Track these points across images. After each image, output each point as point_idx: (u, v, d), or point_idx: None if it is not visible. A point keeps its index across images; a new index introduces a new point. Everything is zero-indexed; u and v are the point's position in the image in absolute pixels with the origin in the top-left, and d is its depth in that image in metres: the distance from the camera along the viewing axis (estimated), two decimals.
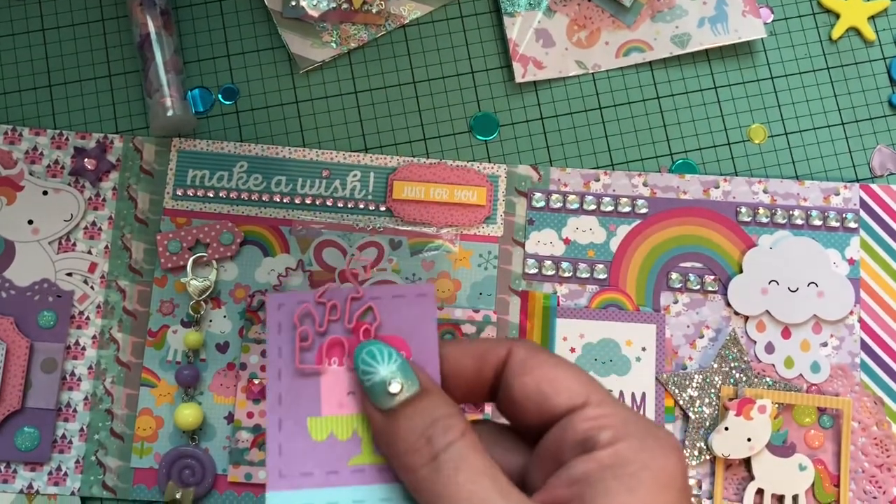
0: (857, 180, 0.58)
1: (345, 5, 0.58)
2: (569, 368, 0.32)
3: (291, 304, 0.35)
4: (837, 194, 0.57)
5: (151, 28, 0.55)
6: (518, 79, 0.58)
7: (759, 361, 0.55)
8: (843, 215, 0.57)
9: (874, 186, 0.57)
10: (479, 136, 0.58)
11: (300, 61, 0.58)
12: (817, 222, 0.57)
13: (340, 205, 0.56)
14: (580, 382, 0.32)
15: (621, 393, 0.55)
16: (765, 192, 0.57)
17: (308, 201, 0.56)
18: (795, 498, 0.53)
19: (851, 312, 0.56)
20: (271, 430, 0.34)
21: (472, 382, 0.34)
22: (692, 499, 0.31)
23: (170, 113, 0.54)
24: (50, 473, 0.53)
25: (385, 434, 0.32)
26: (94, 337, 0.55)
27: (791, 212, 0.57)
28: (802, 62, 0.60)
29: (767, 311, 0.55)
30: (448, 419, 0.31)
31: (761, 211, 0.57)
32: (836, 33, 0.60)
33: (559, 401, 0.32)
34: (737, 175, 0.58)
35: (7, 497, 0.53)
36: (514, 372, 0.33)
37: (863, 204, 0.57)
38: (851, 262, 0.56)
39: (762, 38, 0.59)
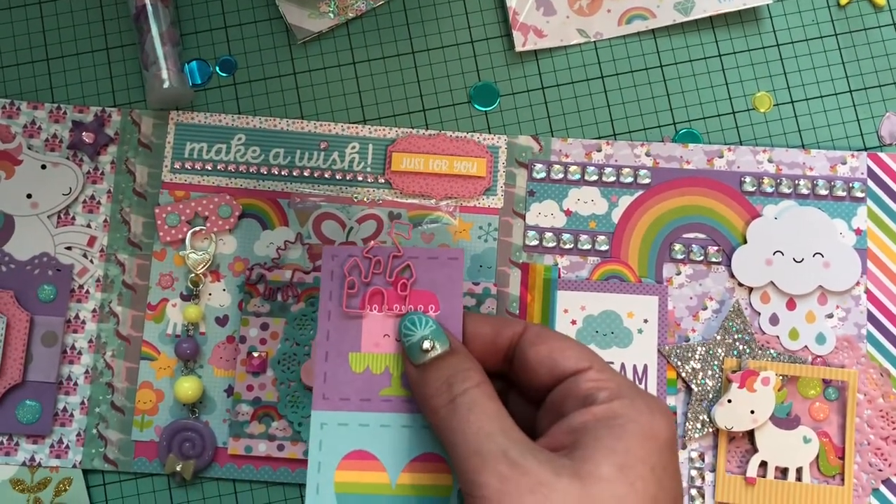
0: (865, 149, 0.57)
1: None
2: (575, 342, 0.39)
3: (343, 257, 0.42)
4: (844, 163, 0.56)
5: (147, 0, 0.55)
6: (518, 48, 0.57)
7: (764, 333, 0.54)
8: (850, 184, 0.56)
9: (882, 155, 0.56)
10: (478, 107, 0.57)
11: (297, 32, 0.57)
12: (823, 192, 0.56)
13: (339, 177, 0.56)
14: (584, 353, 0.38)
15: (623, 365, 0.54)
16: (770, 161, 0.56)
17: (306, 174, 0.56)
18: (799, 470, 0.53)
19: (858, 283, 0.55)
20: (319, 361, 0.41)
21: (487, 346, 0.40)
22: (678, 453, 0.36)
23: (166, 85, 0.54)
24: (52, 446, 0.53)
25: (417, 383, 0.39)
26: (93, 310, 0.55)
27: (797, 181, 0.56)
28: (809, 28, 0.58)
29: (772, 282, 0.55)
30: (467, 372, 0.37)
31: (766, 181, 0.56)
32: None
33: (567, 365, 0.38)
34: (741, 144, 0.57)
35: (10, 469, 0.53)
36: (530, 341, 0.39)
37: (870, 173, 0.56)
38: (858, 232, 0.55)
39: (768, 4, 0.58)
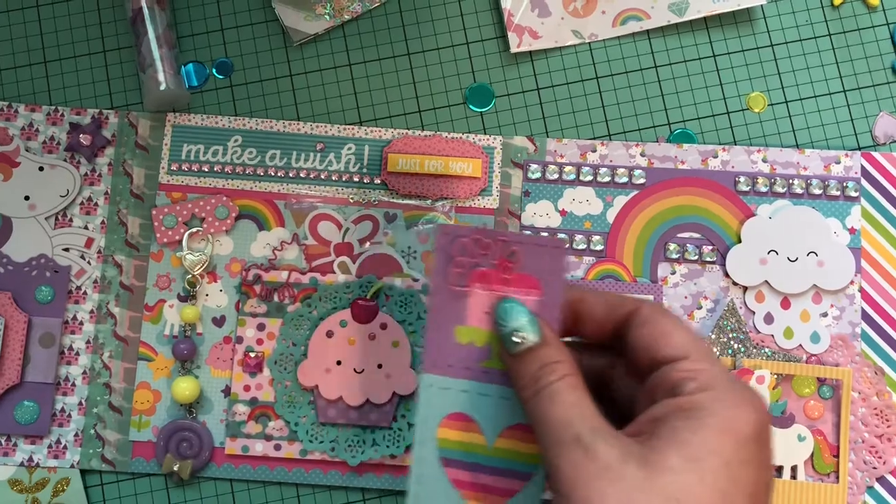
0: (859, 148, 0.57)
1: None
2: (683, 328, 0.38)
3: (453, 236, 0.44)
4: (838, 163, 0.56)
5: (143, 3, 0.55)
6: (513, 49, 0.57)
7: (758, 332, 0.55)
8: (844, 184, 0.56)
9: (876, 154, 0.57)
10: (474, 108, 0.58)
11: (294, 34, 0.57)
12: (817, 191, 0.56)
13: (335, 178, 0.56)
14: (688, 340, 0.38)
15: None
16: (764, 161, 0.56)
17: (303, 175, 0.56)
18: (794, 469, 0.53)
19: (852, 282, 0.55)
20: (429, 329, 0.43)
21: (601, 323, 0.41)
22: (768, 447, 0.36)
23: (163, 87, 0.54)
24: (50, 446, 0.54)
25: (510, 370, 0.40)
26: (91, 311, 0.55)
27: (791, 181, 0.56)
28: (803, 29, 0.59)
29: (766, 282, 0.55)
30: (555, 365, 0.38)
31: (760, 180, 0.56)
32: None
33: (666, 352, 0.37)
34: (736, 144, 0.57)
35: (8, 470, 0.53)
36: (637, 323, 0.39)
37: (864, 172, 0.56)
38: (852, 231, 0.56)
39: (762, 5, 0.58)
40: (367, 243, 0.55)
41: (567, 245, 0.44)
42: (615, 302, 0.41)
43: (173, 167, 0.56)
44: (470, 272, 0.44)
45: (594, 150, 0.57)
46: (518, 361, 0.40)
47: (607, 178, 0.56)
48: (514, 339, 0.40)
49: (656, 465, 0.33)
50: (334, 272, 0.55)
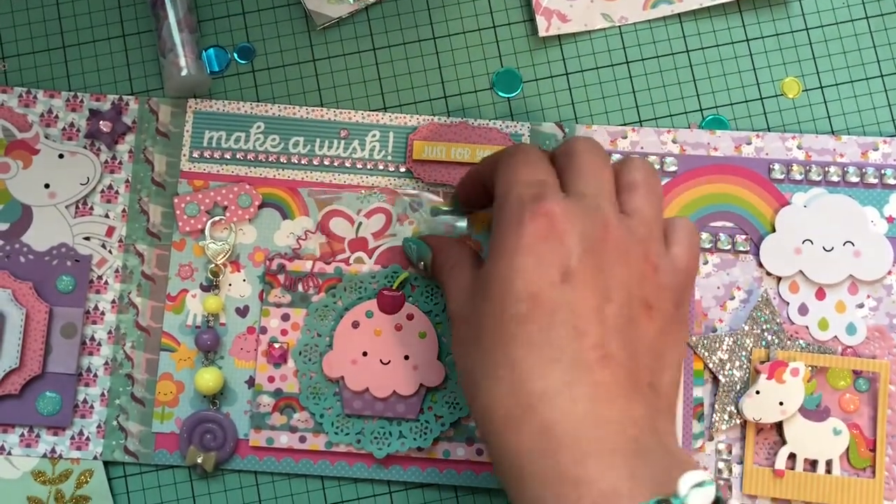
0: None
1: None
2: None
3: None
4: (876, 149, 0.55)
5: None
6: (542, 33, 0.56)
7: (792, 323, 0.53)
8: (882, 171, 0.54)
9: None
10: (501, 93, 0.56)
11: (317, 17, 0.56)
12: (854, 179, 0.54)
13: (360, 166, 0.55)
14: None
15: None
16: (799, 147, 0.55)
17: (326, 162, 0.55)
18: (829, 463, 0.52)
19: (890, 272, 0.54)
20: None
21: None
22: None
23: (184, 73, 0.53)
24: (72, 438, 0.53)
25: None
26: (113, 301, 0.54)
27: (826, 168, 0.55)
28: (839, 12, 0.57)
29: (801, 272, 0.54)
30: (444, 263, 0.50)
31: (795, 168, 0.55)
32: None
33: None
34: (770, 131, 0.56)
35: (31, 461, 0.53)
36: None
37: None
38: (890, 219, 0.54)
39: None
40: (383, 235, 0.54)
41: None
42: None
43: (195, 154, 0.55)
44: None
45: (625, 137, 0.55)
46: (435, 278, 0.52)
47: None
48: (422, 268, 0.52)
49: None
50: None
